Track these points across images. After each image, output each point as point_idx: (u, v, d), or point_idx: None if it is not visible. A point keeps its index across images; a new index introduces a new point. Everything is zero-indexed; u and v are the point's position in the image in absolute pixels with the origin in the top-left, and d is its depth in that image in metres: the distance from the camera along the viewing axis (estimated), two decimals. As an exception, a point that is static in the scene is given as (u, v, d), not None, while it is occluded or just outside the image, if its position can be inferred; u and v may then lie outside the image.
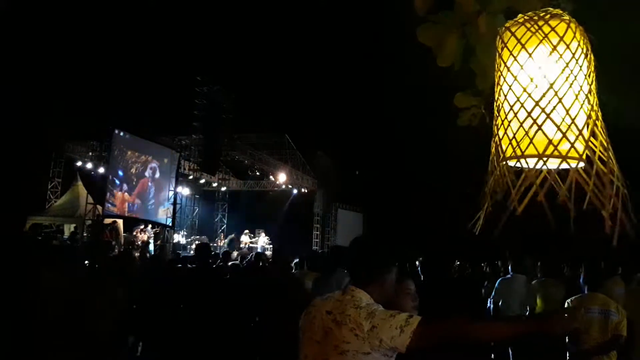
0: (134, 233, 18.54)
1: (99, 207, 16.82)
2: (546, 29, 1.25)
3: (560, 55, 1.25)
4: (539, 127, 1.22)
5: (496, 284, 6.27)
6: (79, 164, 20.68)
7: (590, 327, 4.29)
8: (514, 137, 1.26)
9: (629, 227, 1.23)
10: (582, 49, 1.27)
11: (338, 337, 1.98)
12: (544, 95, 1.23)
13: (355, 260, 2.31)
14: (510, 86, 1.27)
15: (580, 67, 1.26)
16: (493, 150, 1.33)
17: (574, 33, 1.26)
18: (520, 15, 1.30)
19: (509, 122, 1.28)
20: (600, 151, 1.23)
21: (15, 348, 3.92)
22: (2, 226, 11.49)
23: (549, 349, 4.67)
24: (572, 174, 1.26)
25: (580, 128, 1.24)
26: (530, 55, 1.25)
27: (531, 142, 1.21)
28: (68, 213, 18.71)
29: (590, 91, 1.26)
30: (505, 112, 1.29)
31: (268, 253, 17.70)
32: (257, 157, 23.48)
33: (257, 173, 25.04)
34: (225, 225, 25.66)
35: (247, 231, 22.23)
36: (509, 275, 6.32)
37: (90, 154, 20.64)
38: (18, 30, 17.64)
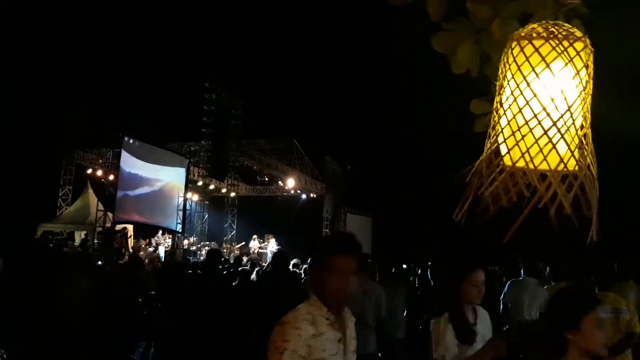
0: (140, 243, 18.64)
1: (110, 214, 16.91)
2: (572, 51, 1.28)
3: (581, 80, 1.30)
4: (554, 146, 1.27)
5: (506, 286, 6.22)
6: (90, 171, 20.83)
7: None
8: (527, 151, 1.31)
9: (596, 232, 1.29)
10: (591, 71, 1.31)
11: None
12: (561, 117, 1.28)
13: None
14: (527, 101, 1.30)
15: (589, 89, 1.32)
16: (492, 153, 1.36)
17: (589, 56, 1.30)
18: (536, 26, 1.31)
19: (522, 136, 1.32)
20: (590, 163, 1.29)
21: (29, 354, 3.94)
22: (14, 234, 11.58)
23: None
24: (575, 187, 1.31)
25: (588, 148, 1.31)
26: (554, 74, 1.30)
27: (545, 159, 1.27)
28: (79, 220, 18.83)
29: (588, 109, 1.32)
30: (518, 125, 1.33)
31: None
32: (266, 163, 23.54)
33: (266, 178, 25.08)
34: (234, 231, 25.71)
35: (256, 236, 22.26)
36: (520, 278, 6.27)
37: (101, 161, 20.78)
38: (27, 39, 17.84)
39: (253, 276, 7.75)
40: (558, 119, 1.27)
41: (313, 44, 22.21)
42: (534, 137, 1.28)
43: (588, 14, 1.37)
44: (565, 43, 1.27)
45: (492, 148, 1.36)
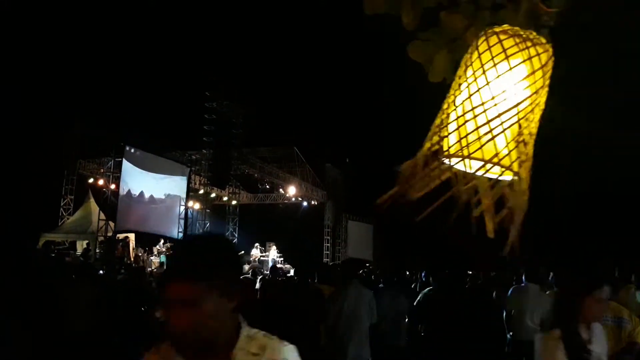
0: (139, 253, 18.63)
1: (111, 223, 16.92)
2: (532, 51, 1.30)
3: (535, 81, 1.32)
4: (493, 137, 1.28)
5: (509, 293, 6.21)
6: (91, 180, 20.86)
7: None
8: (465, 137, 1.32)
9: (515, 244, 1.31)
10: (547, 79, 1.33)
11: None
12: (507, 111, 1.30)
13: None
14: (479, 88, 1.32)
15: (543, 95, 1.34)
16: (435, 139, 1.38)
17: (548, 62, 1.33)
18: (506, 25, 1.35)
19: (465, 121, 1.33)
20: (527, 170, 1.31)
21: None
22: (16, 244, 11.59)
23: None
24: (502, 187, 1.34)
25: (527, 150, 1.32)
26: (511, 69, 1.31)
27: (480, 148, 1.25)
28: (80, 230, 18.83)
29: (538, 115, 1.34)
30: (464, 110, 1.34)
31: (279, 266, 17.67)
32: (267, 171, 23.57)
33: (267, 186, 25.10)
34: (236, 239, 25.69)
35: (257, 244, 22.24)
36: (522, 284, 6.27)
37: (102, 170, 20.82)
38: (28, 47, 17.92)
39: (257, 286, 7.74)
40: (504, 112, 1.28)
41: (313, 52, 22.31)
42: (476, 125, 1.29)
43: (558, 27, 1.40)
44: (529, 43, 1.30)
45: (433, 138, 1.37)
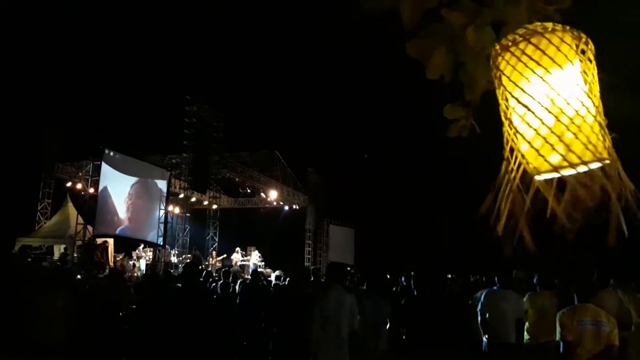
0: (118, 259, 18.39)
1: (90, 228, 16.65)
2: (565, 47, 1.27)
3: (589, 74, 1.29)
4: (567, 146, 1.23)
5: (482, 297, 6.22)
6: (69, 184, 20.51)
7: (584, 339, 4.24)
8: (537, 151, 1.29)
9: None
10: (592, 63, 1.30)
11: None
12: (567, 106, 1.26)
13: None
14: (527, 106, 1.29)
15: (593, 81, 1.30)
16: (513, 164, 1.34)
17: (583, 45, 1.30)
18: (519, 32, 1.32)
19: (530, 136, 1.30)
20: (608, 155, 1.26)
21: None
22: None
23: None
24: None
25: (599, 133, 1.27)
26: (561, 67, 1.28)
27: (570, 150, 1.23)
28: (58, 234, 18.50)
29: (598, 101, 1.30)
30: (529, 125, 1.31)
31: (260, 270, 17.57)
32: (248, 175, 23.46)
33: (248, 191, 24.99)
34: (216, 244, 25.50)
35: (238, 249, 22.10)
36: (494, 288, 6.32)
37: (80, 174, 20.49)
38: (6, 50, 17.60)
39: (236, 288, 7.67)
40: (558, 113, 1.25)
41: (293, 57, 22.32)
42: (541, 136, 1.25)
43: (562, 21, 1.38)
44: (554, 38, 1.27)
45: (511, 160, 1.33)
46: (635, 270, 6.47)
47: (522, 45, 1.25)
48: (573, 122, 1.21)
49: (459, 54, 1.60)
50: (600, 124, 1.23)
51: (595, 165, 1.23)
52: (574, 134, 1.20)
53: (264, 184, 24.14)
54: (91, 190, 17.77)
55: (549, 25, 1.28)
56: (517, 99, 1.26)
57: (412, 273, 7.61)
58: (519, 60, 1.25)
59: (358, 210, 26.87)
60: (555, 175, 1.22)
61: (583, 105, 1.23)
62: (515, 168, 1.28)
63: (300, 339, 5.11)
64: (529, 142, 1.24)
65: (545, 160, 1.21)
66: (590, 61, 1.27)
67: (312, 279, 7.30)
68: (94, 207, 16.64)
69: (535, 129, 1.23)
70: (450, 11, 1.50)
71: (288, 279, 7.64)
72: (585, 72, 1.25)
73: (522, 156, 1.24)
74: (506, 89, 1.28)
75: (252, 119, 24.44)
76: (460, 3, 1.49)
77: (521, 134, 1.25)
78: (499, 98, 1.33)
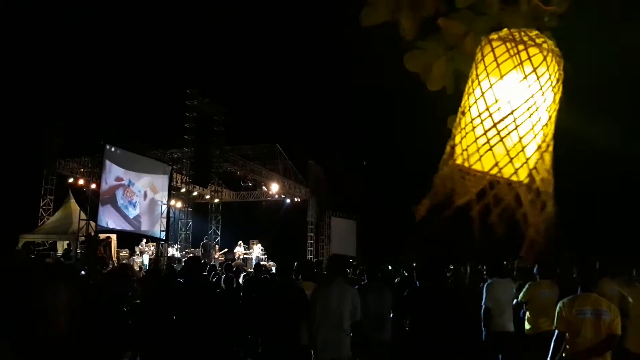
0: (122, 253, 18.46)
1: (92, 223, 16.69)
2: (523, 55, 1.28)
3: (529, 85, 1.29)
4: (490, 148, 1.26)
5: (484, 289, 6.27)
6: (71, 180, 20.54)
7: (583, 328, 4.20)
8: (466, 149, 1.30)
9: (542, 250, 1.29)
10: (552, 81, 1.30)
11: None
12: (502, 119, 1.27)
13: None
14: (476, 99, 1.30)
15: (545, 99, 1.31)
16: (448, 149, 1.37)
17: (548, 65, 1.30)
18: (505, 29, 1.32)
19: (466, 132, 1.31)
20: (541, 178, 1.27)
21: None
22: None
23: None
24: (507, 195, 1.31)
25: (527, 157, 1.28)
26: (501, 77, 1.29)
27: (479, 159, 1.25)
28: (61, 230, 18.55)
29: (548, 121, 1.30)
30: (465, 122, 1.32)
31: (263, 263, 17.63)
32: (249, 168, 23.46)
33: (250, 184, 24.99)
34: (219, 237, 25.54)
35: (241, 242, 22.13)
36: (490, 280, 6.40)
37: (82, 170, 20.51)
38: (4, 45, 17.58)
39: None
40: (499, 121, 1.26)
41: (294, 49, 22.25)
42: (475, 136, 1.27)
43: (556, 28, 1.39)
44: (521, 47, 1.28)
45: (448, 149, 1.36)
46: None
47: (503, 46, 1.26)
48: (498, 131, 1.22)
49: (459, 64, 1.60)
50: (538, 147, 1.24)
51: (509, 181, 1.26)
52: (506, 147, 1.22)
53: (266, 177, 24.15)
54: (93, 186, 17.81)
55: (533, 33, 1.29)
56: (482, 93, 1.27)
57: (414, 264, 7.64)
58: (495, 60, 1.26)
59: (360, 202, 26.87)
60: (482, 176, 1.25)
61: (514, 118, 1.24)
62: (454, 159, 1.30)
63: (294, 342, 5.15)
64: (475, 139, 1.25)
65: (480, 162, 1.22)
66: (557, 81, 1.27)
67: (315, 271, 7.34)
68: (96, 202, 16.67)
69: (484, 130, 1.24)
70: (449, 20, 1.50)
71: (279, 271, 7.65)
72: (529, 85, 1.25)
73: (465, 149, 1.26)
74: (478, 79, 1.28)
75: (252, 112, 24.43)
76: (457, 12, 1.49)
77: (473, 128, 1.27)
78: (467, 87, 1.34)
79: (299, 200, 26.41)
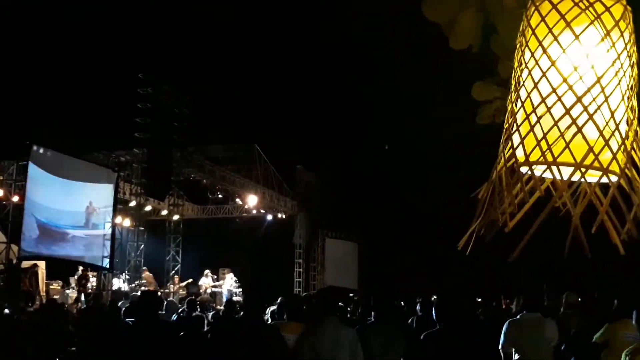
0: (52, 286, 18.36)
1: (14, 247, 16.59)
2: (599, 7, 1.25)
3: (613, 44, 1.26)
4: (579, 129, 1.22)
5: (504, 329, 6.18)
6: (-13, 191, 20.45)
7: None
8: (544, 137, 1.25)
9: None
10: (633, 40, 1.28)
11: None
12: (588, 90, 1.23)
13: None
14: (544, 73, 1.27)
15: (632, 62, 1.28)
16: (505, 151, 1.35)
17: (629, 19, 1.28)
18: None
19: (539, 118, 1.28)
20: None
21: None
22: None
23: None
24: (613, 190, 1.28)
25: (623, 136, 1.25)
26: (577, 37, 1.25)
27: (567, 146, 1.21)
28: (-27, 256, 18.41)
29: (633, 91, 1.28)
30: (533, 105, 1.29)
31: (236, 299, 17.58)
32: (220, 175, 23.45)
33: (220, 196, 24.97)
34: (179, 265, 25.39)
35: (208, 271, 22.07)
36: (518, 316, 6.38)
37: (1, 177, 20.41)
38: None
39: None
40: (584, 94, 1.23)
41: (275, 24, 22.29)
42: (553, 119, 1.24)
43: None
44: (598, 4, 1.25)
45: (507, 145, 1.34)
46: None
47: (572, 0, 1.24)
48: (585, 106, 1.19)
49: (491, 16, 1.59)
50: (617, 125, 1.21)
51: (594, 178, 1.23)
52: (598, 127, 1.18)
53: (241, 186, 24.14)
54: (15, 198, 17.70)
55: None
56: (553, 62, 1.24)
57: (433, 298, 7.66)
58: (563, 17, 1.23)
59: (363, 218, 26.87)
60: (569, 173, 1.22)
61: (601, 88, 1.20)
62: (506, 158, 1.29)
63: None
64: (531, 125, 1.24)
65: (569, 149, 1.21)
66: (622, 29, 1.25)
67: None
68: (19, 220, 16.58)
69: (567, 108, 1.22)
70: None
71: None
72: (613, 45, 1.22)
73: (543, 138, 1.24)
74: (528, 47, 1.27)
75: (224, 103, 24.37)
76: None
77: (549, 109, 1.24)
78: (515, 63, 1.33)
79: (284, 216, 26.39)
